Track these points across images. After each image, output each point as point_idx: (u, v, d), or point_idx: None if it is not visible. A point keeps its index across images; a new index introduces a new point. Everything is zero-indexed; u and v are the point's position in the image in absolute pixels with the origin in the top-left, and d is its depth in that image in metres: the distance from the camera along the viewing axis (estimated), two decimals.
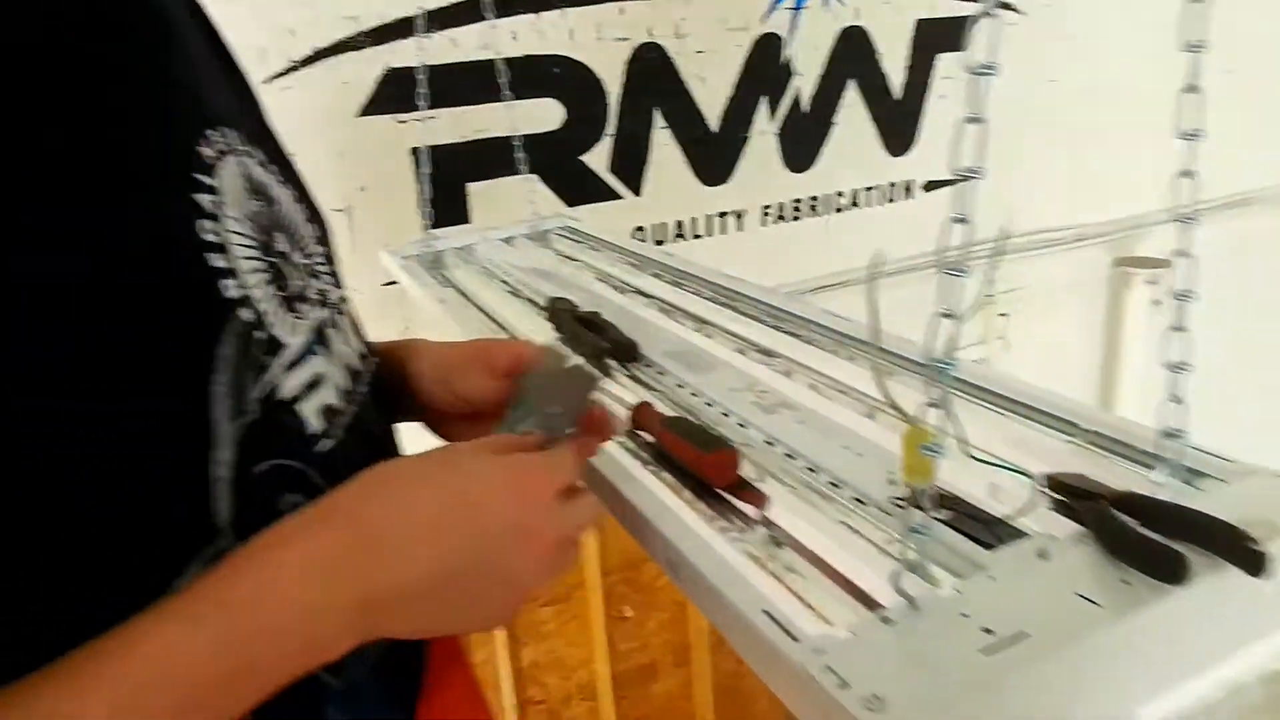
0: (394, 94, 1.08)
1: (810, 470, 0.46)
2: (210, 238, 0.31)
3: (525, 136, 1.05)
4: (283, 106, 1.03)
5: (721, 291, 0.74)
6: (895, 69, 1.46)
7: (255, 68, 1.01)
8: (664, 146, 1.31)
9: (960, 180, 0.30)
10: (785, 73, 1.37)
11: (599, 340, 0.63)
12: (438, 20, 1.09)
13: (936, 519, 0.37)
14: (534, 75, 1.17)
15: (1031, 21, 1.52)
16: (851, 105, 1.44)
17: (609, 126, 1.26)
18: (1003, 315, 1.68)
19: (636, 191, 1.31)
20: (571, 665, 1.32)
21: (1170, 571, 0.31)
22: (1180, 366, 0.36)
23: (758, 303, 0.70)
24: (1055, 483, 0.38)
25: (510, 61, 1.11)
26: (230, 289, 0.31)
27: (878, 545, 0.39)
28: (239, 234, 0.33)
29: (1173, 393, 0.37)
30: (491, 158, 1.14)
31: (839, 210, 1.49)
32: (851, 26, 1.40)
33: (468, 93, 1.12)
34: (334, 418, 0.36)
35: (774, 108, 1.38)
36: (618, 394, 0.57)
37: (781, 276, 1.40)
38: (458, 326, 0.74)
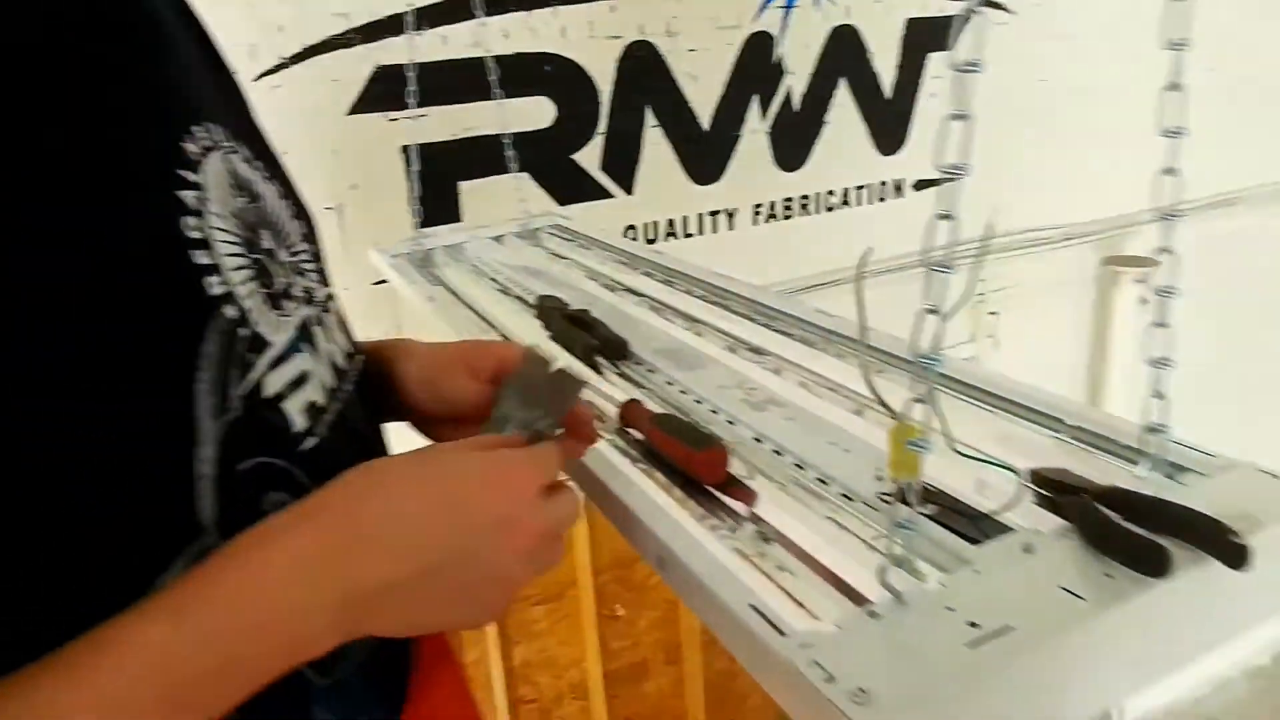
0: (385, 92, 1.08)
1: (798, 467, 0.46)
2: (194, 234, 0.31)
3: (517, 135, 1.05)
4: (273, 104, 1.03)
5: (711, 290, 0.75)
6: (886, 68, 1.46)
7: (245, 65, 1.01)
8: (655, 145, 1.31)
9: (947, 176, 0.30)
10: (776, 71, 1.37)
11: (589, 338, 0.63)
12: (428, 17, 1.09)
13: (922, 514, 0.37)
14: (526, 73, 1.17)
15: (1021, 21, 1.53)
16: (842, 104, 1.44)
17: (600, 125, 1.26)
18: (992, 314, 1.69)
19: (628, 190, 1.31)
20: (563, 664, 1.32)
21: (1153, 565, 0.32)
22: (1163, 362, 0.36)
23: (747, 301, 0.70)
24: (1040, 478, 0.39)
25: (502, 59, 1.11)
26: (214, 286, 0.31)
27: (865, 541, 0.39)
28: (223, 230, 0.33)
29: (1155, 388, 0.37)
30: (483, 156, 1.14)
31: (830, 209, 1.49)
32: (842, 25, 1.40)
33: (459, 91, 1.12)
34: (319, 415, 0.36)
35: (765, 106, 1.38)
36: (607, 391, 0.57)
37: (773, 275, 1.40)
38: (447, 325, 0.74)
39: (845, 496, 0.43)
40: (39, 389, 0.26)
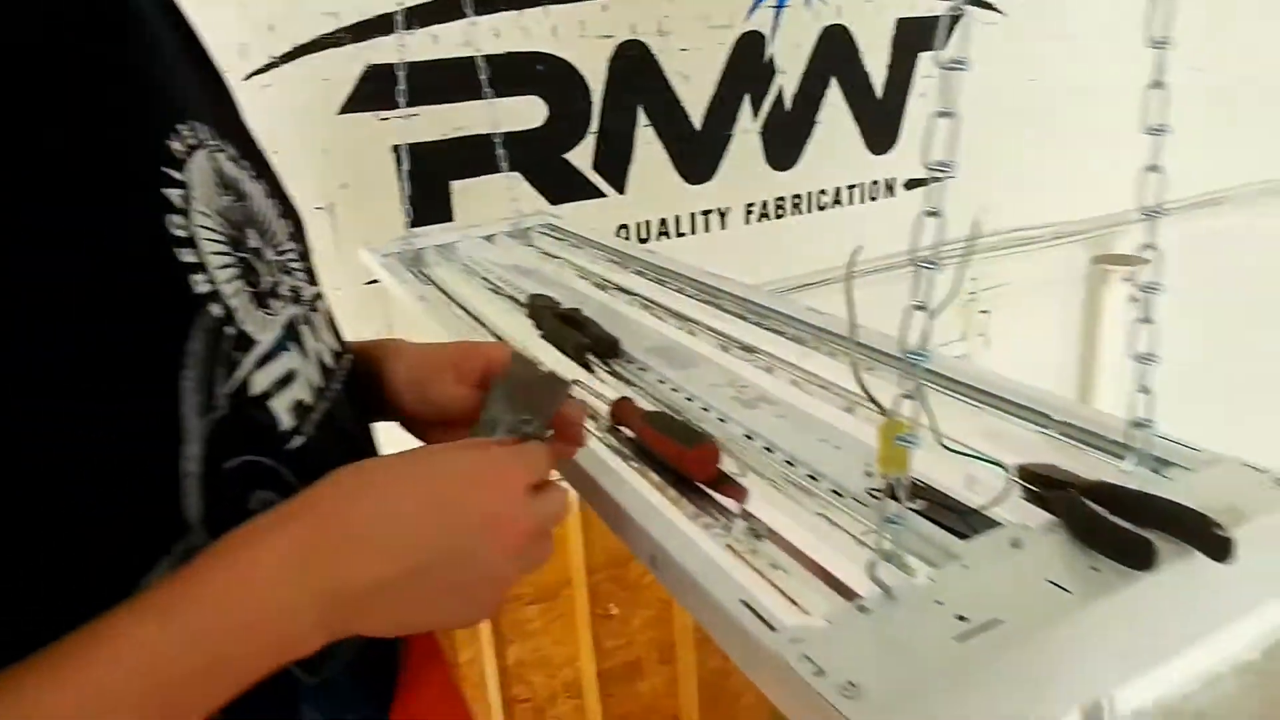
0: (376, 91, 1.08)
1: (789, 464, 0.46)
2: (179, 232, 0.31)
3: (509, 134, 1.05)
4: (263, 103, 1.03)
5: (703, 288, 0.75)
6: (877, 68, 1.47)
7: (236, 64, 1.00)
8: (648, 144, 1.31)
9: (933, 174, 0.30)
10: (768, 71, 1.38)
11: (580, 337, 0.63)
12: (419, 16, 1.09)
13: (911, 509, 0.37)
14: (517, 72, 1.17)
15: (1012, 22, 1.54)
16: (834, 104, 1.44)
17: (592, 124, 1.26)
18: (983, 312, 1.70)
19: (620, 189, 1.31)
20: (557, 663, 1.32)
21: (1138, 558, 0.32)
22: (1147, 358, 0.37)
23: (738, 299, 0.71)
24: (1027, 473, 0.39)
25: (494, 58, 1.11)
26: (199, 284, 0.31)
27: (855, 536, 0.40)
28: (208, 229, 0.33)
29: (1141, 383, 0.37)
30: (474, 155, 1.14)
31: (822, 208, 1.49)
32: (833, 25, 1.41)
33: (450, 90, 1.12)
34: (306, 414, 0.36)
35: (757, 106, 1.38)
36: (599, 390, 0.57)
37: (765, 274, 1.40)
38: (438, 325, 0.74)
39: (835, 493, 0.43)
40: (24, 387, 0.26)
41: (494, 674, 1.27)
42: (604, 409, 0.53)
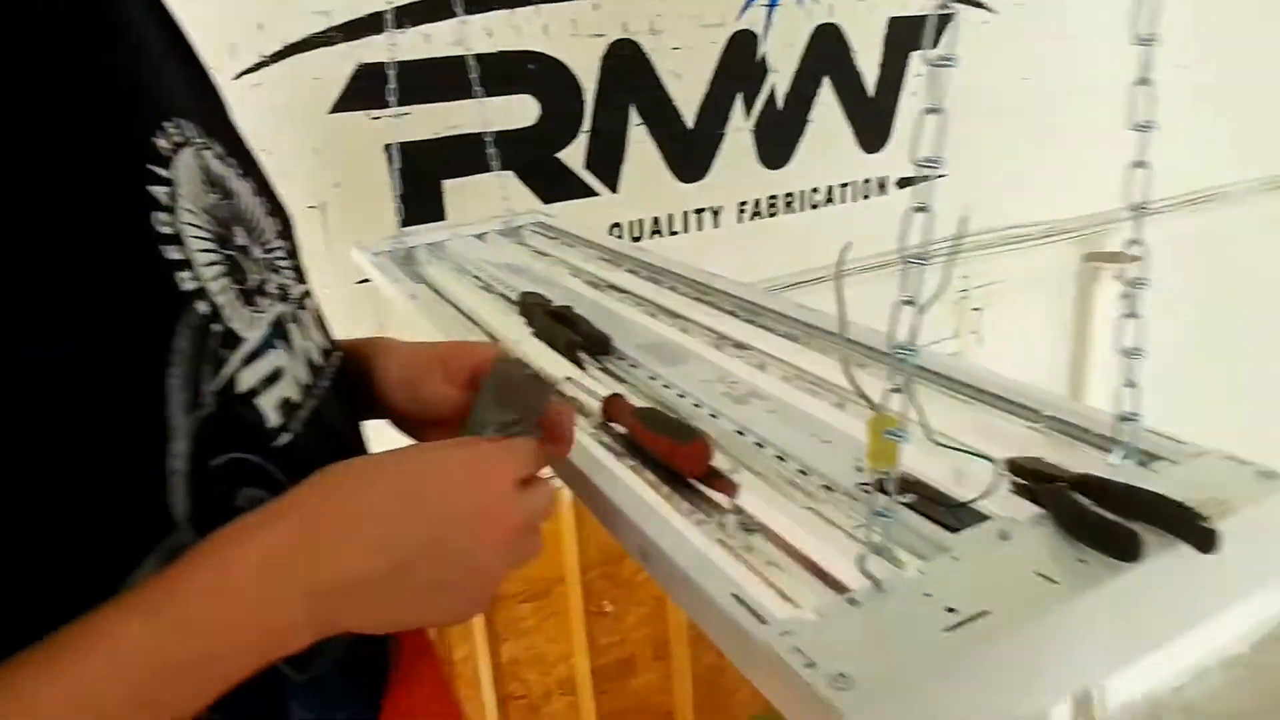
0: (367, 90, 1.08)
1: (780, 459, 0.46)
2: (165, 229, 0.31)
3: (502, 133, 1.05)
4: (254, 102, 1.02)
5: (694, 286, 0.75)
6: (869, 66, 1.47)
7: (226, 63, 1.00)
8: (640, 143, 1.31)
9: (922, 171, 0.31)
10: (760, 70, 1.38)
11: (571, 334, 0.63)
12: (410, 15, 1.08)
13: (901, 503, 0.37)
14: (509, 71, 1.17)
15: (1004, 20, 1.55)
16: (826, 102, 1.45)
17: (585, 123, 1.26)
18: (976, 310, 1.70)
19: (613, 188, 1.31)
20: (551, 660, 1.33)
21: (1124, 550, 0.32)
22: (1134, 352, 0.37)
23: (729, 296, 0.71)
24: (1016, 467, 0.39)
25: (485, 57, 1.11)
26: (186, 281, 0.31)
27: (846, 530, 0.40)
28: (194, 226, 0.33)
29: (1128, 378, 0.38)
30: (467, 154, 1.14)
31: (814, 207, 1.50)
32: (825, 24, 1.41)
33: (442, 89, 1.11)
34: (293, 412, 0.36)
35: (749, 105, 1.39)
36: (590, 387, 0.57)
37: (759, 273, 1.41)
38: (430, 323, 0.74)
39: (826, 487, 0.43)
40: (10, 385, 0.26)
41: (488, 672, 1.27)
42: (595, 406, 0.53)
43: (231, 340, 0.33)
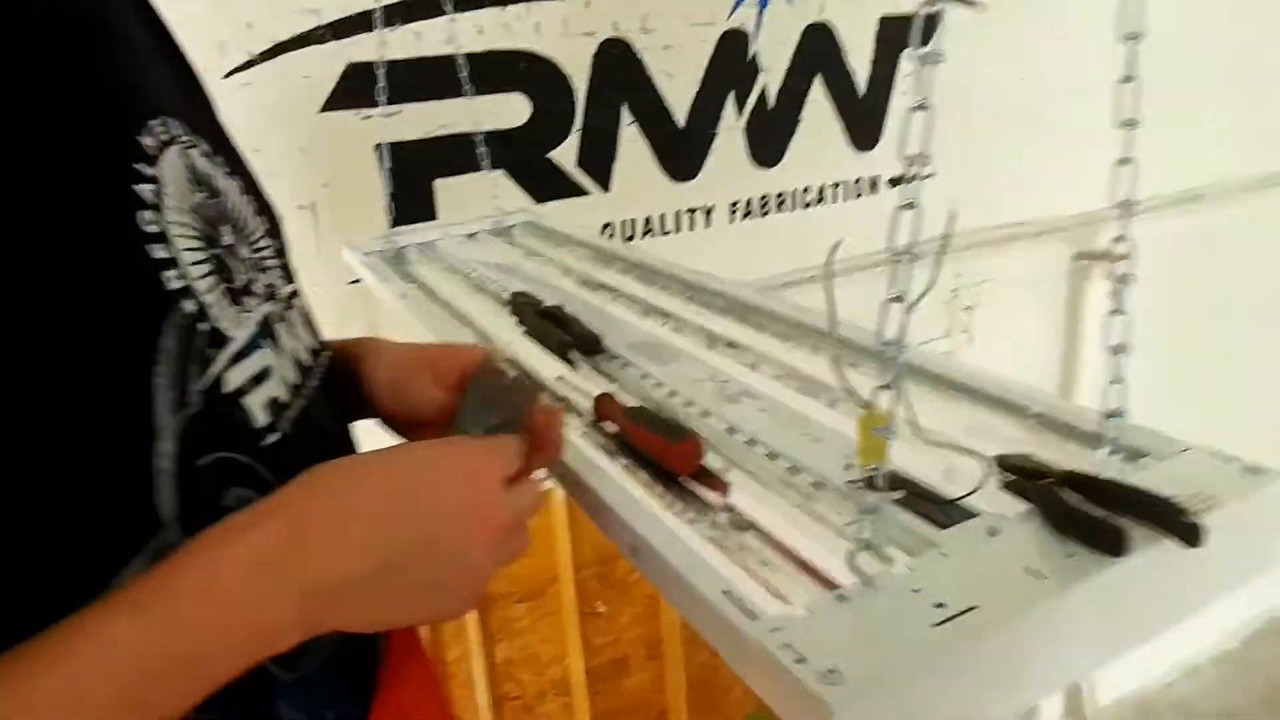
0: (357, 89, 1.07)
1: (770, 457, 0.47)
2: (151, 228, 0.31)
3: (493, 132, 1.05)
4: (243, 101, 1.02)
5: (685, 285, 0.75)
6: (860, 65, 1.48)
7: (214, 62, 0.99)
8: (632, 142, 1.31)
9: (909, 167, 0.31)
10: (752, 69, 1.38)
11: (562, 333, 0.63)
12: (400, 14, 1.08)
13: (890, 500, 0.37)
14: (500, 70, 1.17)
15: (998, 19, 1.55)
16: (817, 101, 1.45)
17: (576, 122, 1.26)
18: (967, 309, 1.71)
19: (605, 188, 1.31)
20: (545, 661, 1.32)
21: (1110, 544, 0.32)
22: (1121, 349, 0.37)
23: (719, 295, 0.71)
24: (1005, 464, 0.40)
25: (476, 56, 1.11)
26: (172, 280, 0.31)
27: (836, 528, 0.40)
28: (181, 225, 0.33)
29: (1115, 374, 0.38)
30: (458, 154, 1.14)
31: (806, 206, 1.50)
32: (816, 23, 1.41)
33: (433, 88, 1.11)
34: (281, 411, 0.36)
35: (741, 104, 1.39)
36: (582, 386, 0.57)
37: (751, 272, 1.41)
38: (421, 323, 0.74)
39: (816, 485, 0.43)
40: None
41: (482, 672, 1.26)
42: (587, 405, 0.53)
43: (218, 339, 0.33)
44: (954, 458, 0.43)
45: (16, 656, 0.25)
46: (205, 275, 0.33)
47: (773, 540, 0.40)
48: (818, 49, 1.42)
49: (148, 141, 0.33)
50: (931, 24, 0.31)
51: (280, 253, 0.42)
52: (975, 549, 0.35)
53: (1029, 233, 1.71)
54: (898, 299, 0.32)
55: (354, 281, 1.09)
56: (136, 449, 0.29)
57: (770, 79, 1.40)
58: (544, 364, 0.62)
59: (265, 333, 0.37)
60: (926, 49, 0.30)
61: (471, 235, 1.00)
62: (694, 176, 1.38)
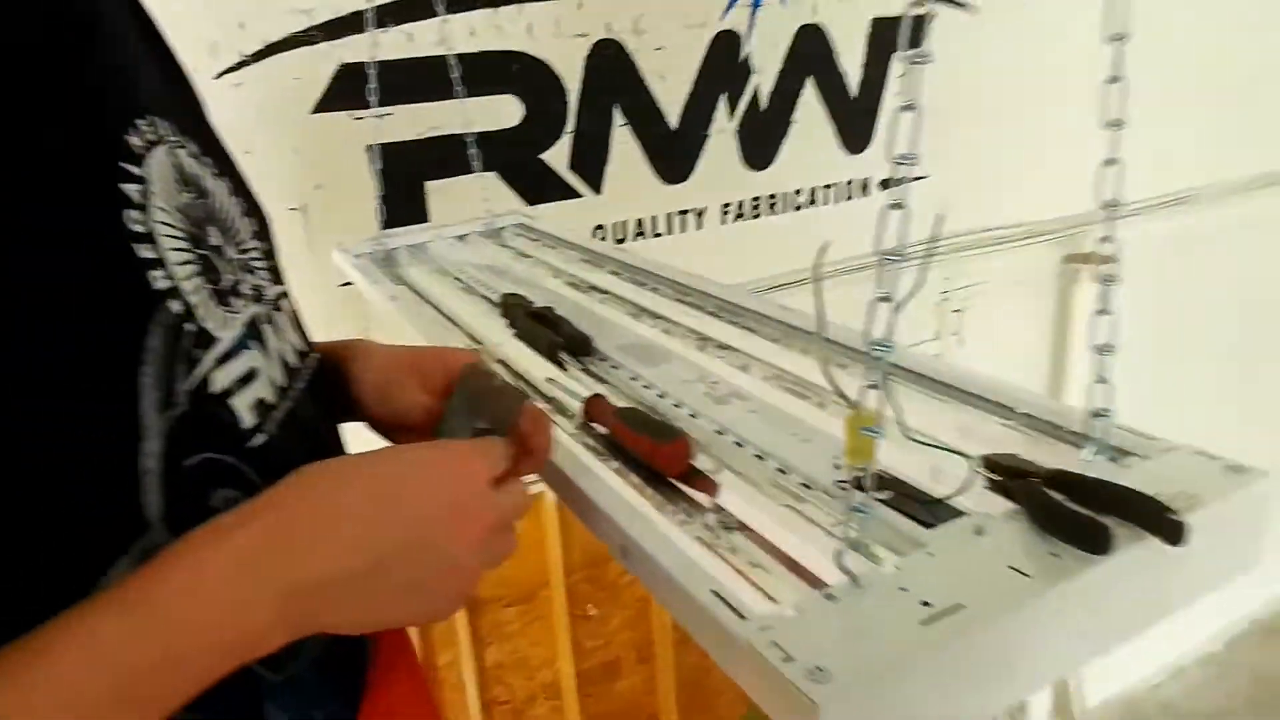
0: (349, 90, 1.07)
1: (759, 458, 0.47)
2: (137, 228, 0.31)
3: (485, 134, 1.05)
4: (235, 102, 1.01)
5: (675, 287, 0.75)
6: (852, 67, 1.48)
7: (206, 62, 0.99)
8: (624, 144, 1.31)
9: (897, 168, 0.31)
10: (744, 70, 1.39)
11: (552, 335, 0.63)
12: (392, 15, 1.08)
13: (878, 500, 0.38)
14: (493, 71, 1.17)
15: (987, 20, 1.56)
16: (809, 103, 1.46)
17: (568, 124, 1.26)
18: (957, 311, 1.72)
19: (597, 189, 1.31)
20: (536, 664, 1.32)
21: (1095, 543, 0.33)
22: (1106, 348, 0.38)
23: (709, 297, 0.71)
24: (991, 463, 0.40)
25: (468, 57, 1.10)
26: (158, 280, 0.31)
27: (824, 527, 0.40)
28: (167, 225, 0.32)
29: (1100, 374, 0.38)
30: (450, 156, 1.13)
31: (798, 208, 1.51)
32: (809, 24, 1.42)
33: (425, 89, 1.11)
34: (268, 413, 0.36)
35: (733, 105, 1.39)
36: (572, 387, 0.57)
37: (743, 275, 1.41)
38: (411, 325, 0.74)
39: (804, 485, 0.44)
40: None
41: (472, 676, 1.26)
42: (577, 406, 0.53)
43: (205, 340, 0.33)
44: (941, 458, 0.43)
45: (3, 656, 0.25)
46: (192, 276, 0.33)
47: (762, 540, 0.40)
48: (810, 50, 1.43)
49: (134, 141, 0.33)
50: (920, 25, 0.31)
51: (268, 254, 0.42)
52: (962, 548, 0.35)
53: (1018, 235, 1.72)
54: (885, 298, 0.32)
55: (345, 284, 1.09)
56: (123, 449, 0.29)
57: (762, 80, 1.40)
58: (534, 365, 0.62)
59: (252, 334, 0.37)
60: (914, 50, 0.30)
61: (462, 237, 0.99)
62: (686, 178, 1.39)
